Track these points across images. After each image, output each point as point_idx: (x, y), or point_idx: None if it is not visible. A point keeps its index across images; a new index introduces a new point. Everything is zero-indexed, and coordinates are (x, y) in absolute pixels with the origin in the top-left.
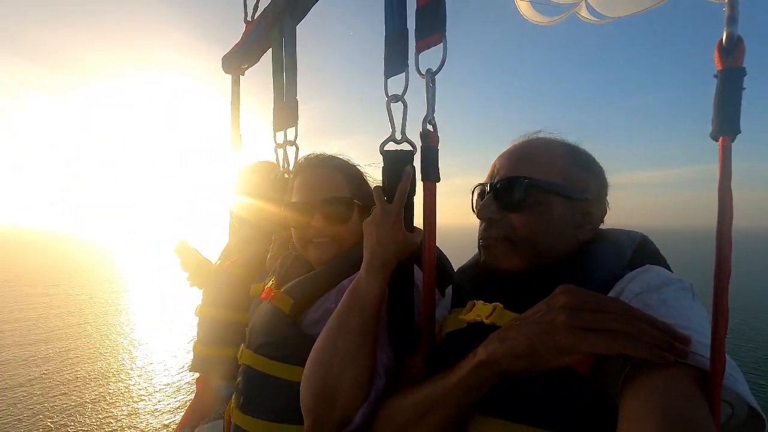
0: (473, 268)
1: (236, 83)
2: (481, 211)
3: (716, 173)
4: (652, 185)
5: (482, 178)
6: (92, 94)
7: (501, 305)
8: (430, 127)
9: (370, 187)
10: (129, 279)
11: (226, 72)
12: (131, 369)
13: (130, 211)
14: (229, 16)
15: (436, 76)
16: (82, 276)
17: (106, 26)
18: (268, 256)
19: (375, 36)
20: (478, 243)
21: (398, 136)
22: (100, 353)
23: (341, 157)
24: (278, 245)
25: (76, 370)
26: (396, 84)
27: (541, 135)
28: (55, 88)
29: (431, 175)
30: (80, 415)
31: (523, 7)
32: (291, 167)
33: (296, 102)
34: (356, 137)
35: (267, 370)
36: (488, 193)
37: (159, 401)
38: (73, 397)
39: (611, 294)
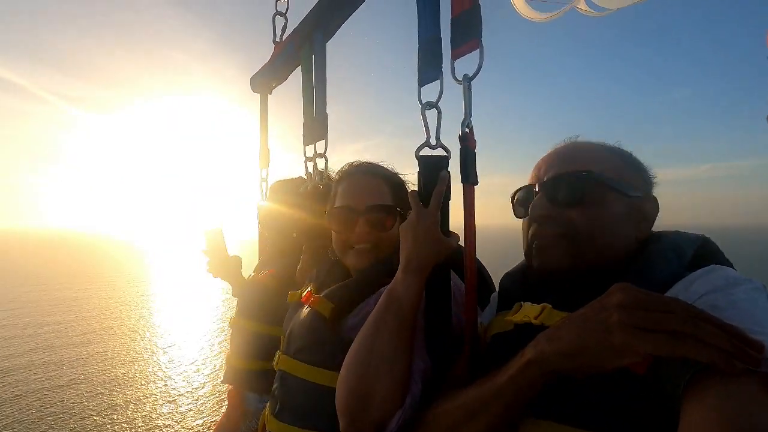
0: (520, 273)
1: (264, 101)
2: (533, 210)
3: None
4: (686, 182)
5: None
6: (131, 108)
7: (550, 305)
8: (467, 130)
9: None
10: (159, 281)
11: (254, 91)
12: (168, 368)
13: (161, 215)
14: (255, 36)
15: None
16: (114, 278)
17: (140, 45)
18: (298, 267)
19: (388, 43)
20: (530, 246)
21: (433, 142)
22: (138, 354)
23: (384, 165)
24: (309, 256)
25: (117, 371)
26: (426, 91)
27: (581, 139)
28: (98, 104)
29: (470, 178)
30: (123, 413)
31: (519, 4)
32: (322, 179)
33: (326, 115)
34: (372, 140)
35: (304, 376)
36: (538, 192)
37: (194, 400)
38: (118, 395)
39: (669, 294)
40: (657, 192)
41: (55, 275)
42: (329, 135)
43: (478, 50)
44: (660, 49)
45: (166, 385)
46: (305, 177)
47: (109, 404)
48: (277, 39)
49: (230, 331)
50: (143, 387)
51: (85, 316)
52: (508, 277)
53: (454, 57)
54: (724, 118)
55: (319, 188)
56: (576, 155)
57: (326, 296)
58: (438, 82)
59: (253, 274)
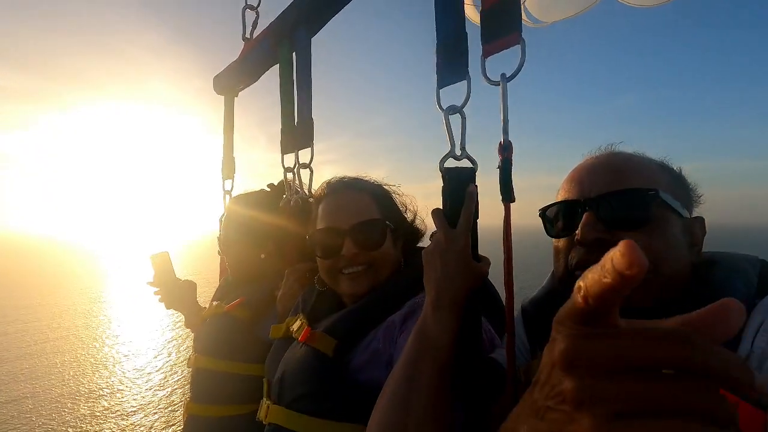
0: (550, 299)
1: (230, 105)
2: (584, 231)
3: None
4: None
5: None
6: (85, 105)
7: None
8: (509, 139)
9: (400, 209)
10: (116, 288)
11: (218, 93)
12: (134, 377)
13: (116, 219)
14: (221, 36)
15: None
16: (66, 284)
17: (101, 45)
18: (279, 293)
19: (353, 39)
20: (572, 273)
21: (458, 152)
22: (100, 363)
23: (366, 178)
24: (293, 280)
25: (78, 382)
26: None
27: (620, 148)
28: (52, 102)
29: (511, 195)
30: (89, 424)
31: (469, 11)
32: (308, 192)
33: (312, 121)
34: (335, 140)
35: (308, 431)
36: (586, 211)
37: (162, 408)
38: (82, 406)
39: (750, 327)
40: None
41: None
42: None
43: (519, 46)
44: (602, 60)
45: (132, 393)
46: (268, 189)
47: (73, 416)
48: (247, 35)
49: (188, 372)
50: (108, 397)
51: (37, 326)
52: (535, 307)
53: (486, 54)
54: (665, 122)
55: (306, 202)
56: (627, 168)
57: (327, 330)
58: (459, 84)
59: (216, 303)
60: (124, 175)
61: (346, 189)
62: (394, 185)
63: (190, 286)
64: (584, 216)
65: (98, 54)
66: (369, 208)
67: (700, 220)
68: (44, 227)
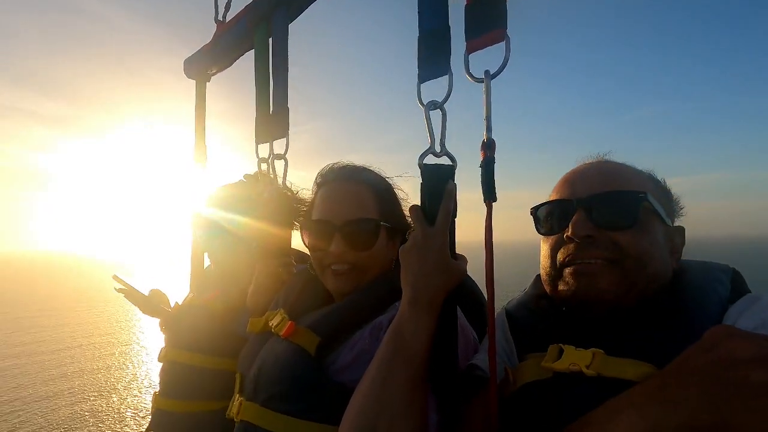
0: (536, 302)
1: (201, 89)
2: (576, 228)
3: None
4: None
5: None
6: (109, 128)
7: (602, 351)
8: (492, 137)
9: (400, 205)
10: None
11: (189, 77)
12: None
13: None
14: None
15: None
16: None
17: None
18: (250, 289)
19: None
20: (560, 268)
21: (438, 148)
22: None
23: (372, 168)
24: (265, 275)
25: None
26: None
27: (610, 157)
28: (79, 126)
29: (493, 194)
30: None
31: None
32: (281, 183)
33: (287, 110)
34: (363, 155)
35: (280, 430)
36: (577, 209)
37: None
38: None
39: None
40: None
41: (40, 298)
42: (311, 148)
43: (504, 43)
44: (621, 71)
45: None
46: (245, 179)
47: None
48: (220, 17)
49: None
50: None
51: (90, 343)
52: (523, 309)
53: (470, 50)
54: (686, 133)
55: (284, 195)
56: (618, 173)
57: (310, 327)
58: (440, 79)
59: (191, 296)
60: (155, 192)
61: (346, 180)
62: (395, 177)
63: (162, 296)
64: (576, 214)
65: (120, 77)
66: (366, 204)
67: (681, 230)
68: (87, 247)
